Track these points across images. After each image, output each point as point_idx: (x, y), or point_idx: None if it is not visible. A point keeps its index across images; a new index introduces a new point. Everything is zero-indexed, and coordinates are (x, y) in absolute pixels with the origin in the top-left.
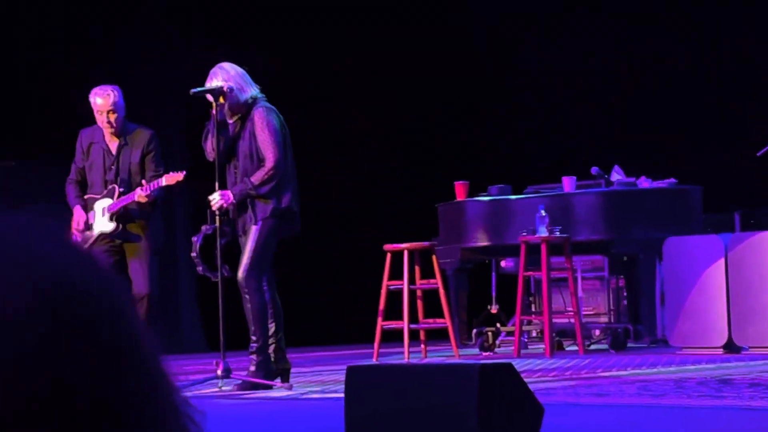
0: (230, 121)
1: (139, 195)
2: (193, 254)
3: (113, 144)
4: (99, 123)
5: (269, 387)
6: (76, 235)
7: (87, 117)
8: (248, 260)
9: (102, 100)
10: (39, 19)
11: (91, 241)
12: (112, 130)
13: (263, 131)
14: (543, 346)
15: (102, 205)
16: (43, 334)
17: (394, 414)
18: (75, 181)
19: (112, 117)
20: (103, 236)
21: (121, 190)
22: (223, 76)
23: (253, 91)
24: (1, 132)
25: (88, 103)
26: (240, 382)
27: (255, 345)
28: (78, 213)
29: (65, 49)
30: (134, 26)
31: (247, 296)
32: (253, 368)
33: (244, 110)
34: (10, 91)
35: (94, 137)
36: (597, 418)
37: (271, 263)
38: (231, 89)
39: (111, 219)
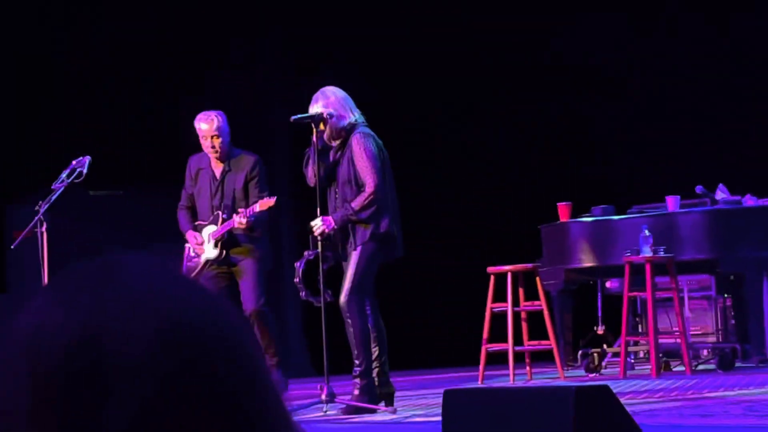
0: (333, 145)
1: (238, 221)
2: (296, 280)
3: (218, 170)
4: (204, 148)
5: (373, 411)
6: (189, 261)
7: (193, 145)
8: (349, 285)
9: (206, 125)
10: (147, 49)
11: (198, 268)
12: (217, 155)
13: (361, 157)
14: (649, 366)
15: (208, 231)
16: (164, 376)
17: None
18: (185, 207)
19: (216, 142)
20: (209, 263)
21: (224, 216)
22: (323, 101)
23: (353, 116)
24: (110, 161)
25: (194, 129)
26: (344, 406)
27: (358, 369)
28: (191, 236)
29: (172, 75)
30: (239, 55)
31: (349, 320)
32: (357, 392)
33: (344, 135)
34: (116, 120)
35: (202, 163)
36: None
37: (372, 287)
38: (330, 115)
39: (216, 245)
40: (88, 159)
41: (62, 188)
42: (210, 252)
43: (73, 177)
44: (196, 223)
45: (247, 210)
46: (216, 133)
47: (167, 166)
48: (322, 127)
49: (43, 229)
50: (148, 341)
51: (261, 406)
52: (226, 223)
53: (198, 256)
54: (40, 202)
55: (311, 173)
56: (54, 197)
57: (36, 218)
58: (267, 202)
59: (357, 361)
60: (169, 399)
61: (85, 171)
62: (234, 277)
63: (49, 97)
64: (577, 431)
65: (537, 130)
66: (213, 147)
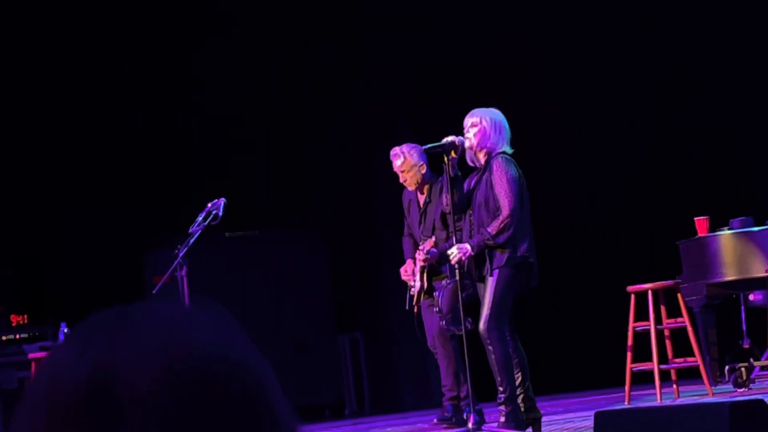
0: (466, 182)
1: (420, 258)
2: (435, 309)
3: (422, 199)
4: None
5: None
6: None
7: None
8: (488, 311)
9: (394, 161)
10: (272, 90)
11: (415, 297)
12: (411, 188)
13: (501, 180)
14: None
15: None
16: (171, 412)
17: None
18: (407, 235)
19: (407, 176)
20: (421, 293)
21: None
22: (478, 119)
23: (501, 146)
24: (245, 203)
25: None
26: None
27: (503, 395)
28: (406, 266)
29: (302, 115)
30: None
31: (490, 347)
32: (503, 419)
33: (483, 159)
34: (250, 162)
35: (411, 194)
36: None
37: (511, 313)
38: (462, 143)
39: (421, 276)
40: (223, 201)
41: (199, 231)
42: (417, 282)
43: (209, 220)
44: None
45: (424, 245)
46: (403, 168)
47: (298, 207)
48: (453, 154)
49: (183, 273)
50: (155, 378)
51: None
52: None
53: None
54: (179, 246)
55: (446, 201)
56: (192, 240)
57: (176, 262)
58: (431, 241)
59: (501, 388)
60: (177, 429)
61: (220, 213)
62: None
63: (181, 141)
64: None
65: (671, 142)
66: (405, 181)
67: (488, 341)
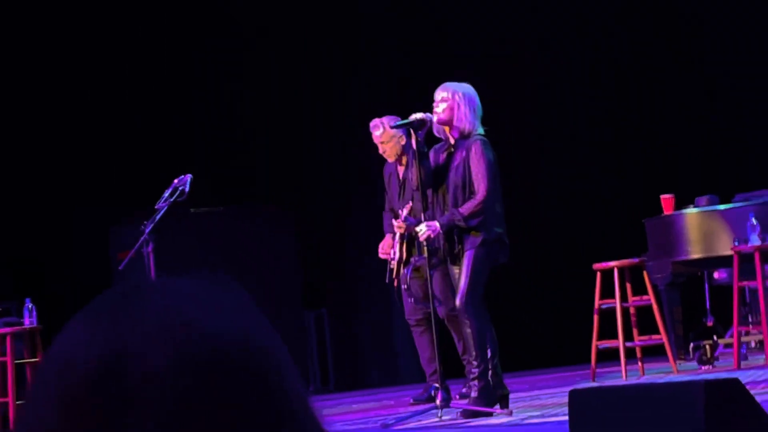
0: (431, 153)
1: (398, 225)
2: (404, 286)
3: (401, 171)
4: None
5: (489, 414)
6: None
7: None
8: (464, 287)
9: (373, 132)
10: (244, 67)
11: (395, 270)
12: (391, 159)
13: (479, 164)
14: (763, 356)
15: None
16: (183, 390)
17: None
18: (387, 210)
19: (386, 147)
20: (401, 264)
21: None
22: (450, 93)
23: (476, 124)
24: (211, 179)
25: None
26: (461, 410)
27: (476, 370)
28: (384, 240)
29: (270, 92)
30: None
31: (467, 321)
32: (475, 394)
33: (461, 136)
34: (215, 138)
35: (391, 167)
36: None
37: (483, 291)
38: (431, 119)
39: (400, 247)
40: (189, 177)
41: (165, 207)
42: (396, 253)
43: (175, 196)
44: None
45: (402, 212)
46: (382, 139)
47: (266, 182)
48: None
49: (149, 249)
50: (167, 358)
51: (287, 422)
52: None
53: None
54: (145, 222)
55: (414, 177)
56: (158, 217)
57: (142, 238)
58: (408, 206)
59: (475, 363)
60: (188, 412)
61: (187, 189)
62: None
63: (149, 117)
64: (709, 426)
65: (636, 121)
66: (384, 152)
67: (465, 316)
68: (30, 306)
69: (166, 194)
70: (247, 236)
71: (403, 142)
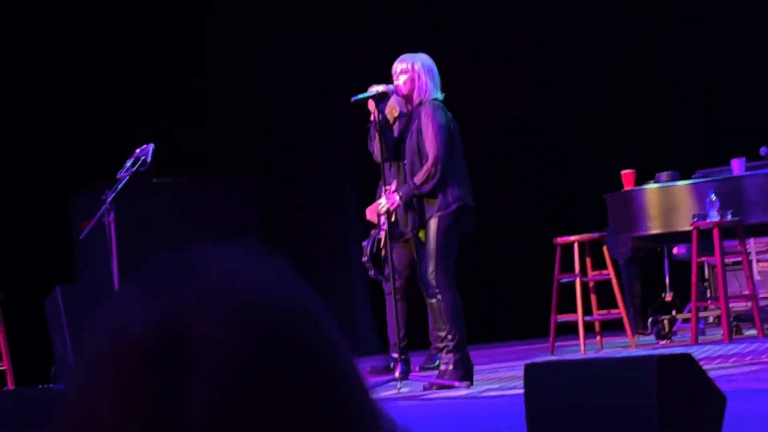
0: (398, 118)
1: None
2: (364, 259)
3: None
4: None
5: (450, 387)
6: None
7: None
8: (435, 260)
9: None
10: (200, 33)
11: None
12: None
13: (428, 127)
14: (721, 331)
15: None
16: (243, 356)
17: (573, 409)
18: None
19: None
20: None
21: None
22: (409, 65)
23: (431, 91)
24: (174, 149)
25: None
26: (426, 383)
27: (451, 343)
28: (373, 204)
29: (227, 59)
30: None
31: (438, 296)
32: (450, 367)
33: (419, 105)
34: (179, 107)
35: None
36: None
37: (453, 262)
38: (393, 91)
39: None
40: (151, 147)
41: (127, 177)
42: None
43: (137, 165)
44: None
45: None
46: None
47: (229, 151)
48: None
49: (111, 218)
50: (224, 325)
51: (340, 388)
52: None
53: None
54: (106, 191)
55: (376, 149)
56: (120, 186)
57: (103, 207)
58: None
59: (450, 336)
60: (248, 378)
61: (149, 159)
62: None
63: (111, 85)
64: (660, 400)
65: (597, 97)
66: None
67: (437, 289)
68: None
69: (128, 164)
70: (210, 207)
71: (396, 113)
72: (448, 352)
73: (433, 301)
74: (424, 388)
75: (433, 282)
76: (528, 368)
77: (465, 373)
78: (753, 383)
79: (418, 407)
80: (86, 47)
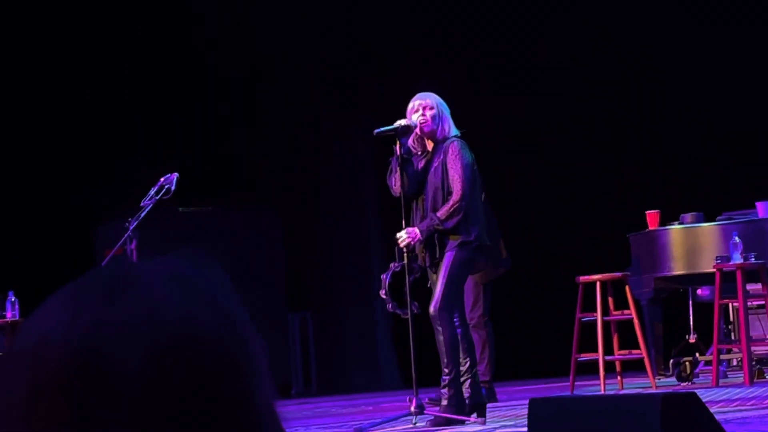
0: (417, 154)
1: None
2: (382, 292)
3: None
4: None
5: (462, 422)
6: None
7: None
8: (440, 294)
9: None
10: (230, 63)
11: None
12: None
13: (456, 164)
14: (743, 374)
15: None
16: (160, 395)
17: None
18: None
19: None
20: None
21: None
22: (427, 102)
23: (451, 128)
24: (199, 178)
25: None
26: (432, 418)
27: (447, 377)
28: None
29: (255, 92)
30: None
31: (439, 329)
32: (445, 402)
33: (436, 142)
34: (204, 137)
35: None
36: None
37: (462, 298)
38: (415, 126)
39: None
40: (176, 176)
41: (151, 205)
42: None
43: (161, 194)
44: None
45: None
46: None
47: (254, 182)
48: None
49: (133, 246)
50: (140, 355)
51: (256, 424)
52: None
53: None
54: (130, 219)
55: (394, 183)
56: (143, 214)
57: (126, 235)
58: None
59: (446, 370)
60: (157, 414)
61: (173, 188)
62: None
63: (137, 115)
64: None
65: (623, 137)
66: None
67: (438, 323)
68: (13, 299)
69: (152, 192)
70: (233, 236)
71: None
72: (443, 387)
73: (437, 333)
74: (434, 424)
75: (436, 315)
76: (532, 403)
77: (457, 409)
78: (767, 427)
79: None
80: (115, 75)
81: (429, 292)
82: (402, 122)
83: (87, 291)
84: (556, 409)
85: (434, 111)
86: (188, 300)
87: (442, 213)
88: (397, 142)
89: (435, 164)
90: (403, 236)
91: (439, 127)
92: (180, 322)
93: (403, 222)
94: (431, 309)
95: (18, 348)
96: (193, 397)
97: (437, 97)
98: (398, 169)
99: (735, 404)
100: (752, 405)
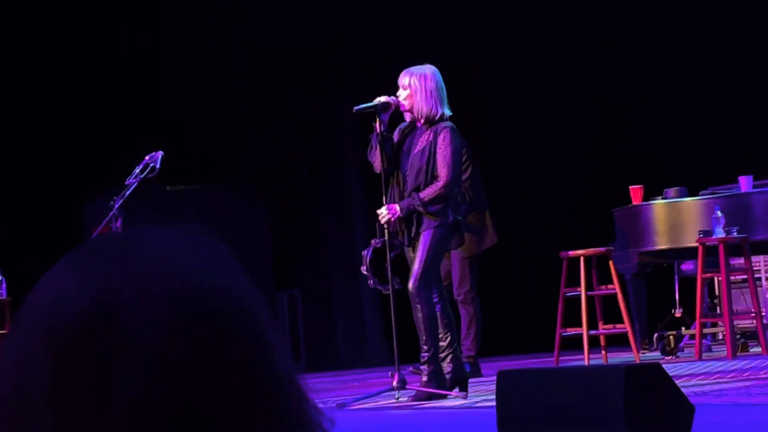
0: (396, 133)
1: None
2: (363, 268)
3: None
4: None
5: (444, 396)
6: None
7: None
8: (418, 271)
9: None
10: (217, 42)
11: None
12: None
13: (445, 150)
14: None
15: None
16: (175, 342)
17: (544, 415)
18: None
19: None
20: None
21: None
22: (415, 78)
23: (443, 109)
24: (186, 157)
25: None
26: (414, 392)
27: (426, 354)
28: None
29: (241, 71)
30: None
31: (417, 306)
32: (425, 378)
33: (427, 121)
34: (191, 116)
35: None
36: (765, 417)
37: (439, 274)
38: (396, 103)
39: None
40: (160, 154)
41: (135, 183)
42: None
43: (146, 172)
44: None
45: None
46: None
47: (238, 162)
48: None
49: (118, 224)
50: (157, 315)
51: (271, 371)
52: None
53: None
54: (115, 197)
55: (377, 161)
56: (128, 192)
57: (111, 214)
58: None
59: (425, 347)
60: (176, 373)
61: (158, 166)
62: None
63: (123, 94)
64: (628, 409)
65: (607, 112)
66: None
67: (416, 300)
68: (0, 278)
69: (137, 170)
70: (221, 215)
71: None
72: (423, 363)
73: (415, 311)
74: (416, 399)
75: (414, 292)
76: (500, 375)
77: (438, 385)
78: (743, 398)
79: (413, 416)
80: (99, 57)
81: (409, 269)
82: (381, 99)
83: (98, 250)
84: (523, 380)
85: (409, 90)
86: (199, 254)
87: (425, 195)
88: (377, 119)
89: (422, 144)
90: (383, 212)
91: (414, 103)
92: (196, 274)
93: (384, 198)
94: (410, 286)
95: (32, 308)
96: (214, 344)
97: (419, 71)
98: (378, 145)
99: (714, 377)
100: (731, 377)
